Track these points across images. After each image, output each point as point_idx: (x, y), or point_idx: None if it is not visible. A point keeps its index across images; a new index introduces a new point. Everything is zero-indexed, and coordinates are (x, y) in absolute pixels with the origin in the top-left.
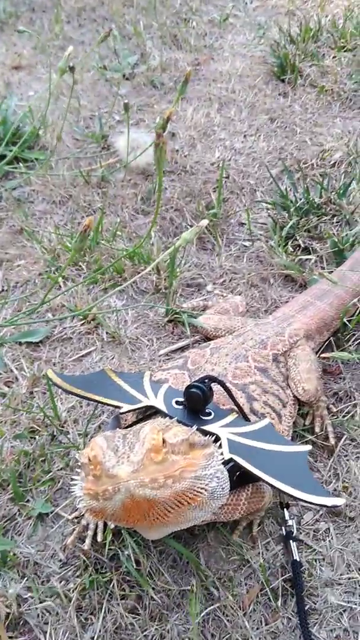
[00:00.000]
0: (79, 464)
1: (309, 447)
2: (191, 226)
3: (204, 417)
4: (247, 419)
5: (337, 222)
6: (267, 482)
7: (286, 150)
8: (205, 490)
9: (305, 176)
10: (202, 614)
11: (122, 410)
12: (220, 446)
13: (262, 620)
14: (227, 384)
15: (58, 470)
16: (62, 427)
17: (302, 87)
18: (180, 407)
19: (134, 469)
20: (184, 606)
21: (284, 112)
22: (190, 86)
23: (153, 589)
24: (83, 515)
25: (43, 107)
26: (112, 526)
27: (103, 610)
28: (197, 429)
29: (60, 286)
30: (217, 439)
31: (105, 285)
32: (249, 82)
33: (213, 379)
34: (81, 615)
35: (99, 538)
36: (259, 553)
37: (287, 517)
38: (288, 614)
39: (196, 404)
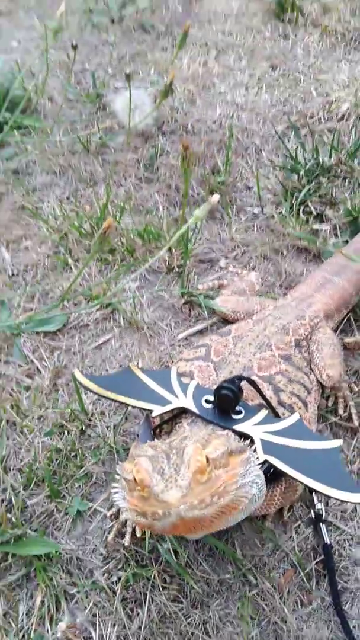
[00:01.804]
0: (120, 476)
1: (340, 442)
2: (198, 195)
3: (234, 417)
4: (276, 415)
5: (349, 186)
6: (302, 483)
7: (290, 102)
8: (246, 497)
9: (313, 132)
10: (241, 600)
11: (154, 414)
12: (254, 447)
13: (298, 602)
14: (254, 378)
15: (91, 465)
16: (90, 420)
17: (304, 27)
18: (210, 405)
19: (183, 494)
20: (223, 593)
21: (285, 58)
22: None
23: (192, 578)
24: (120, 510)
25: (30, 62)
26: None
27: (147, 601)
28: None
29: (71, 268)
30: (249, 437)
31: (117, 265)
32: (246, 22)
33: (242, 378)
34: (127, 606)
35: (138, 533)
36: (290, 537)
37: (315, 500)
38: (322, 594)
39: (227, 405)
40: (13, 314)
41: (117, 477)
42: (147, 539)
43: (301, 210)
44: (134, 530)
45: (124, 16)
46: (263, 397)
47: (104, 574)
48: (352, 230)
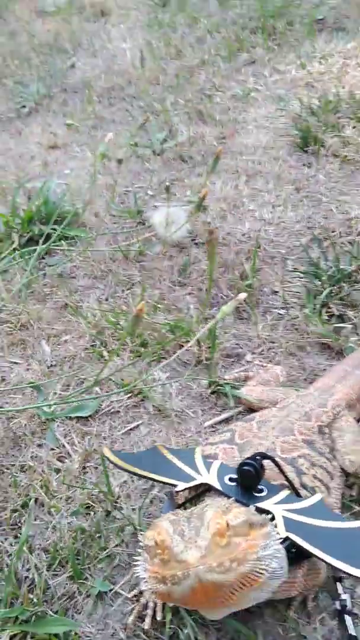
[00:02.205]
0: (142, 545)
1: None
2: (227, 297)
3: (257, 494)
4: (298, 495)
5: None
6: (325, 561)
7: (314, 219)
8: (267, 570)
9: (334, 244)
10: None
11: (177, 489)
12: (275, 524)
13: None
14: (277, 459)
15: (114, 547)
16: (116, 502)
17: (325, 157)
18: (234, 484)
19: (202, 554)
20: None
21: (309, 182)
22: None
23: None
24: (142, 593)
25: (80, 185)
26: (171, 605)
27: None
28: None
29: (105, 359)
30: (271, 515)
31: (150, 359)
32: (274, 154)
33: (264, 456)
34: None
35: (159, 617)
36: (314, 629)
37: (340, 590)
38: None
39: (249, 481)
40: (49, 401)
41: (139, 550)
42: (167, 624)
43: (323, 312)
44: (154, 613)
45: (165, 149)
46: (284, 475)
47: None
48: None
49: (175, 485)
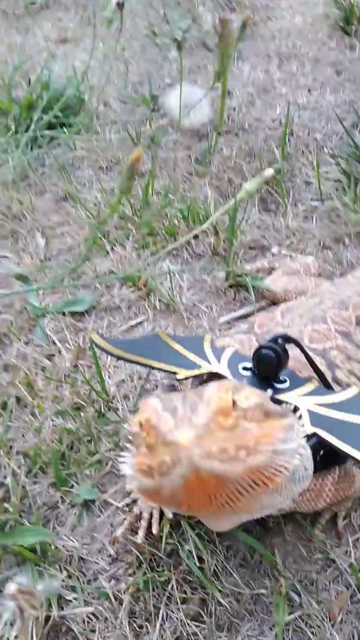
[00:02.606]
0: (129, 436)
1: None
2: None
3: (278, 386)
4: (329, 387)
5: None
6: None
7: (357, 104)
8: (286, 468)
9: None
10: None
11: (178, 377)
12: (300, 418)
13: (355, 634)
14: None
15: (106, 451)
16: (110, 402)
17: None
18: (249, 373)
19: (198, 434)
20: (257, 614)
21: (352, 65)
22: (247, 44)
23: (220, 591)
24: (135, 502)
25: (89, 73)
26: (170, 515)
27: (160, 617)
28: (272, 399)
29: (107, 252)
30: (296, 410)
31: (157, 248)
32: (311, 36)
33: (287, 338)
34: (134, 621)
35: (155, 530)
36: (346, 552)
37: None
38: None
39: (268, 368)
40: (40, 295)
41: (125, 445)
42: (164, 537)
43: None
44: (149, 525)
45: (186, 38)
46: (312, 364)
47: (110, 580)
48: None
49: (175, 373)
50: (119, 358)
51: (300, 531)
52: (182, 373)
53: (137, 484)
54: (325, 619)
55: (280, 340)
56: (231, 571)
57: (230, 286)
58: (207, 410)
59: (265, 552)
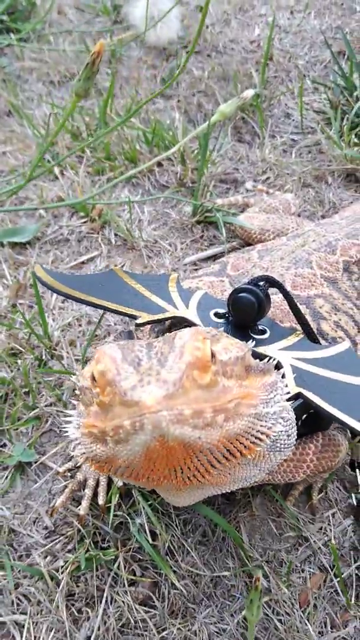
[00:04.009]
0: (76, 390)
1: None
2: None
3: (256, 336)
4: (316, 341)
5: None
6: (349, 426)
7: (343, 30)
8: (267, 435)
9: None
10: (244, 612)
11: (138, 321)
12: (283, 376)
13: (327, 622)
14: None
15: (46, 406)
16: (54, 350)
17: None
18: (222, 320)
19: (169, 393)
20: (216, 598)
21: None
22: None
23: (175, 572)
24: (79, 467)
25: None
26: (120, 483)
27: (104, 600)
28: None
29: (56, 176)
30: (278, 366)
31: (116, 175)
32: None
33: (271, 281)
34: (73, 605)
35: (101, 500)
36: (321, 529)
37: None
38: None
39: (247, 315)
40: None
41: (71, 401)
42: (112, 508)
43: (353, 134)
44: (94, 495)
45: None
46: (297, 313)
47: (45, 556)
48: None
49: (135, 317)
50: (66, 297)
51: (271, 504)
52: (143, 317)
53: (84, 449)
54: (296, 604)
55: (261, 284)
56: (189, 549)
57: (198, 222)
58: (179, 362)
59: (229, 529)
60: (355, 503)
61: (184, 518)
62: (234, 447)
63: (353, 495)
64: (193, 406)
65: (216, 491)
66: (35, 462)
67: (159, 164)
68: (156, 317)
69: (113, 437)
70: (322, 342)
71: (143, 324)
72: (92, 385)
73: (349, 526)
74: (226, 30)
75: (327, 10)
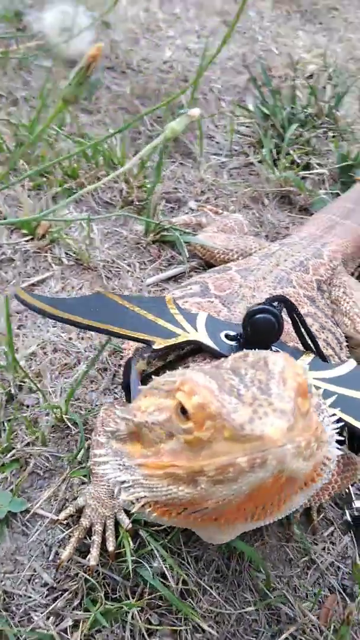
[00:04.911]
0: (113, 426)
1: None
2: (152, 131)
3: None
4: (325, 360)
5: (332, 137)
6: None
7: (250, 57)
8: (330, 460)
9: (279, 87)
10: None
11: (155, 346)
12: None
13: None
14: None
15: (25, 446)
16: (22, 382)
17: None
18: (234, 343)
19: (290, 424)
20: (240, 636)
21: (239, 18)
22: None
23: (195, 614)
24: (82, 511)
25: None
26: (129, 525)
27: None
28: None
29: None
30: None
31: (56, 191)
32: None
33: (284, 301)
34: None
35: (110, 546)
36: (324, 548)
37: (353, 497)
38: None
39: (268, 336)
40: None
41: (100, 438)
42: (127, 552)
43: (281, 160)
44: (103, 541)
45: None
46: (309, 332)
47: (48, 617)
48: (342, 181)
49: (148, 343)
50: (62, 321)
51: (278, 529)
52: (158, 342)
53: (145, 492)
54: (321, 628)
55: (276, 303)
56: (206, 588)
57: (153, 242)
58: (286, 390)
59: (260, 561)
60: (350, 520)
61: (195, 555)
62: (315, 473)
63: (347, 511)
64: (305, 437)
65: (260, 524)
66: (26, 512)
67: (98, 179)
68: (170, 341)
69: (213, 477)
70: None
71: (160, 350)
72: (179, 420)
73: (348, 542)
74: (136, 49)
75: (231, 38)
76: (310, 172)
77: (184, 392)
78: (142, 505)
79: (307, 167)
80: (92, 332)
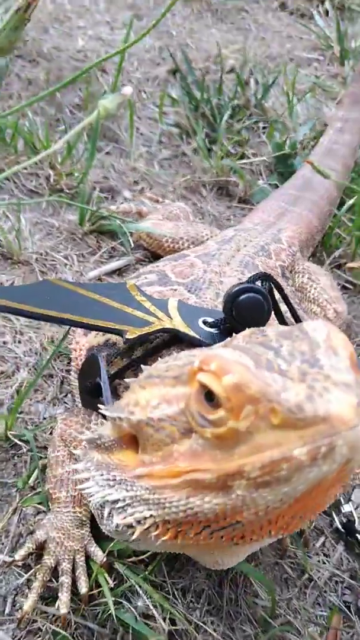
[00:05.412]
0: (102, 437)
1: None
2: (75, 119)
3: None
4: None
5: (263, 129)
6: None
7: (167, 51)
8: None
9: (203, 79)
10: None
11: (128, 336)
12: None
13: None
14: None
15: None
16: None
17: None
18: (213, 329)
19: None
20: None
21: (150, 13)
22: None
23: None
24: (43, 548)
25: None
26: (103, 559)
27: None
28: None
29: None
30: None
31: None
32: None
33: (269, 278)
34: None
35: (83, 587)
36: (318, 561)
37: (341, 500)
38: None
39: (257, 318)
40: None
41: (77, 453)
42: (108, 594)
43: (215, 149)
44: (73, 582)
45: None
46: (294, 313)
47: None
48: (279, 171)
49: (119, 333)
50: (15, 313)
51: (270, 547)
52: (131, 331)
53: (156, 511)
54: None
55: (264, 282)
56: (199, 624)
57: (90, 232)
58: (340, 360)
59: (268, 583)
60: (341, 527)
61: (182, 586)
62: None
63: (336, 517)
64: None
65: (265, 542)
66: None
67: (18, 163)
68: (146, 329)
69: (256, 479)
70: None
71: (133, 340)
72: (202, 409)
73: (342, 552)
74: (46, 37)
75: (144, 30)
76: (246, 161)
77: (209, 373)
78: (147, 528)
79: (242, 157)
80: (31, 334)
